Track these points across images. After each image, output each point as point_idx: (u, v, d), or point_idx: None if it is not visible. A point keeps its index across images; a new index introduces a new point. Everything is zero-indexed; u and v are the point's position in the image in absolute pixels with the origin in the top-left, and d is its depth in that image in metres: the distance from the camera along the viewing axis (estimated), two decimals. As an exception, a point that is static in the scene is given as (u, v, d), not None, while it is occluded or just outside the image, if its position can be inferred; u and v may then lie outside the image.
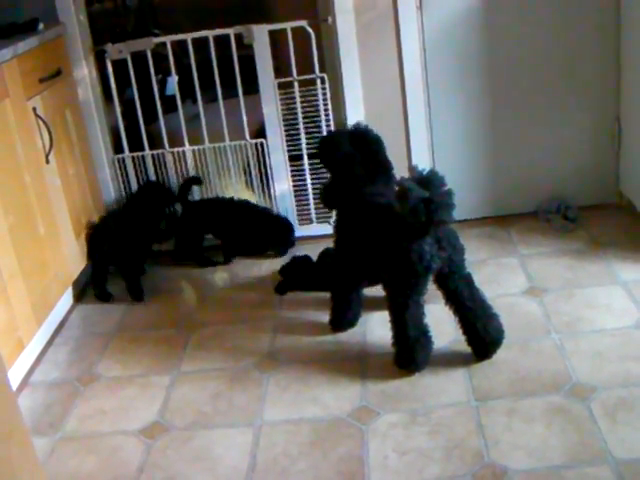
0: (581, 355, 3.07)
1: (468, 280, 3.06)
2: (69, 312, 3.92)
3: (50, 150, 3.62)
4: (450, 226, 3.01)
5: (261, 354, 3.36)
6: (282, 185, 4.32)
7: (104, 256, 4.01)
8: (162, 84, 4.74)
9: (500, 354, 3.12)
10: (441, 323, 3.36)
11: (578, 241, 3.99)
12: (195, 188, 4.33)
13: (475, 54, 4.13)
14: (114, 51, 4.14)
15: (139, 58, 4.18)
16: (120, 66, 4.18)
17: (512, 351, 3.14)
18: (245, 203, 4.28)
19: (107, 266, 4.05)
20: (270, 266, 4.13)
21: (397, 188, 2.90)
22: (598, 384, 2.88)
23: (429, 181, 2.86)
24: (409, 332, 3.02)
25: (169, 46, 4.14)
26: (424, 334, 3.07)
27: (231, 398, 3.08)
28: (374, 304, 3.57)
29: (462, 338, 3.20)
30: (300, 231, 4.39)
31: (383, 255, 3.03)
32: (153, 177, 4.35)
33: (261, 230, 4.22)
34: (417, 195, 2.78)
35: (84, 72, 4.13)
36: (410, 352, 3.05)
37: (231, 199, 4.29)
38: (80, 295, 4.07)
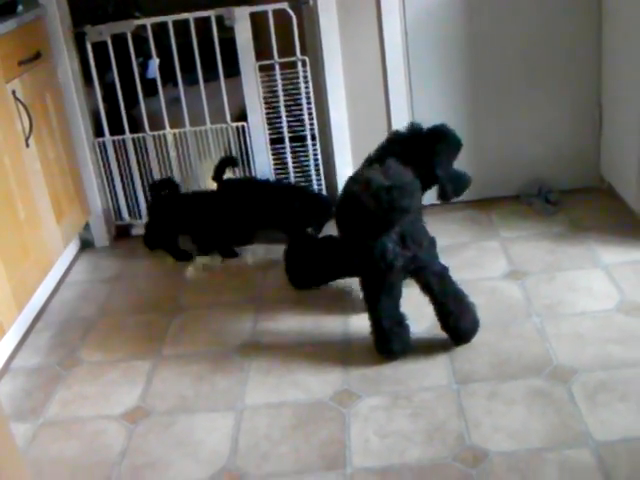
0: (562, 338, 3.08)
1: (439, 275, 3.06)
2: (50, 297, 3.91)
3: (30, 134, 3.60)
4: (420, 223, 3.06)
5: (243, 338, 3.36)
6: (263, 168, 4.31)
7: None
8: (143, 67, 4.72)
9: (481, 337, 3.13)
10: (422, 306, 3.35)
11: (559, 225, 4.00)
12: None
13: (456, 38, 4.13)
14: (94, 33, 4.10)
15: (120, 41, 4.15)
16: (101, 49, 4.15)
17: (493, 334, 3.15)
18: (279, 182, 4.27)
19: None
20: (251, 253, 4.13)
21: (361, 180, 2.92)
22: (579, 367, 2.89)
23: (391, 171, 2.87)
24: (383, 323, 3.04)
25: (149, 28, 4.11)
26: (399, 323, 3.08)
27: (213, 382, 3.08)
28: (357, 290, 3.58)
29: (443, 322, 3.24)
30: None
31: (352, 251, 3.05)
32: (133, 160, 4.33)
33: (299, 207, 4.15)
34: (378, 183, 2.79)
35: (64, 55, 4.10)
36: (386, 342, 3.07)
37: (267, 179, 4.26)
38: (62, 278, 4.06)
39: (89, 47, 4.13)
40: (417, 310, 3.31)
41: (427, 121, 4.15)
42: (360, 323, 3.33)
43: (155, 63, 4.30)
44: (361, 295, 3.13)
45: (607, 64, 4.07)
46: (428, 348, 3.13)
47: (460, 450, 2.56)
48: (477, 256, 3.79)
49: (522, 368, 2.93)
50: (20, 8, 3.74)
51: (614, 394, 2.73)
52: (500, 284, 3.52)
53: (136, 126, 4.35)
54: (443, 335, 3.14)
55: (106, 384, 3.17)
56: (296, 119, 4.22)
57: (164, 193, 4.20)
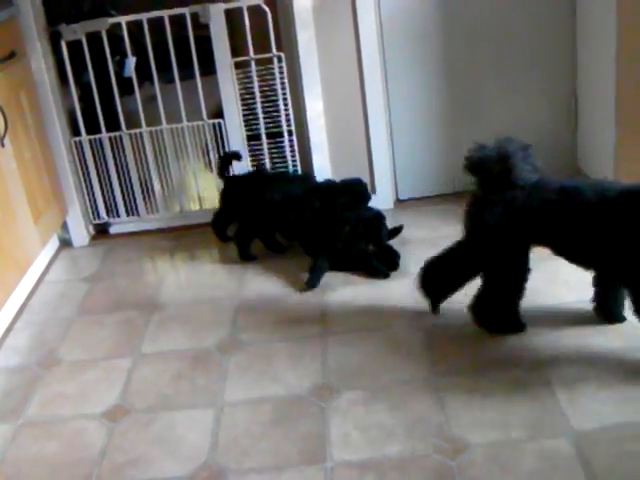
0: (541, 329, 3.09)
1: None
2: (29, 297, 3.89)
3: (5, 133, 3.58)
4: None
5: (222, 335, 3.35)
6: (241, 165, 4.29)
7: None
8: (120, 66, 4.70)
9: (460, 330, 3.14)
10: (403, 299, 3.39)
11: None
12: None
13: (432, 32, 4.13)
14: (68, 32, 4.09)
15: (97, 40, 4.13)
16: (79, 48, 4.13)
17: (472, 327, 3.15)
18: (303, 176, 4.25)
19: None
20: (230, 249, 4.12)
21: None
22: (558, 357, 2.91)
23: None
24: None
25: (124, 27, 4.10)
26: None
27: (192, 379, 3.08)
28: (333, 285, 3.63)
29: (422, 314, 3.26)
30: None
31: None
32: (110, 159, 4.32)
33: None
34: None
35: (39, 54, 4.08)
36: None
37: (288, 172, 4.28)
38: (40, 278, 4.05)
39: (64, 46, 4.11)
40: (396, 303, 3.35)
41: (404, 116, 4.20)
42: (339, 319, 3.34)
43: (132, 62, 4.29)
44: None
45: (581, 56, 4.09)
46: (407, 341, 3.14)
47: (440, 442, 2.56)
48: (456, 249, 3.79)
49: (501, 360, 2.94)
50: (-7, 7, 3.73)
51: (592, 384, 2.74)
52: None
53: (113, 125, 4.33)
54: (423, 327, 3.18)
55: (86, 383, 3.16)
56: (273, 115, 4.22)
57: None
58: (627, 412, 2.59)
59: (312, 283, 3.63)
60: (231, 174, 4.17)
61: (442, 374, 2.90)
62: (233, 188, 4.09)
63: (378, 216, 3.72)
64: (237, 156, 4.17)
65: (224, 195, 4.14)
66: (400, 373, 2.94)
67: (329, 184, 3.94)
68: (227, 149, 4.26)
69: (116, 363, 3.26)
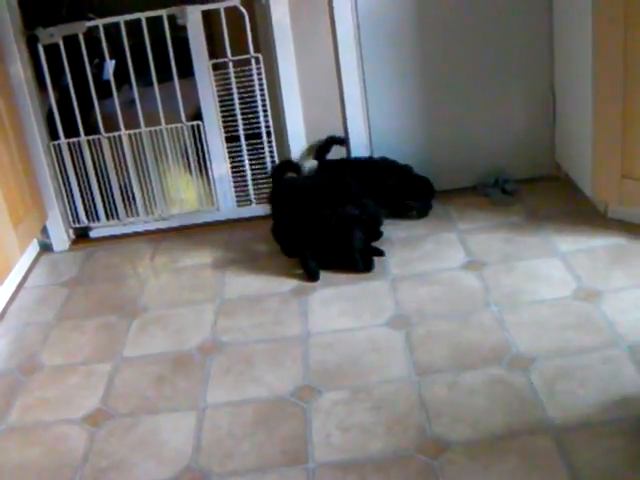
0: (520, 326, 3.10)
1: None
2: (9, 302, 3.87)
3: (-17, 139, 3.58)
4: None
5: (203, 337, 3.35)
6: (220, 167, 4.30)
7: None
8: (99, 69, 4.69)
9: (441, 327, 3.16)
10: (382, 299, 3.40)
11: (516, 214, 4.03)
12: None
13: (409, 31, 4.14)
14: (45, 36, 4.08)
15: (76, 43, 4.12)
16: (58, 51, 4.11)
17: (452, 325, 3.17)
18: (383, 160, 4.25)
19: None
20: (210, 252, 4.13)
21: None
22: (538, 354, 2.92)
23: None
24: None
25: (102, 29, 4.09)
26: None
27: (174, 382, 3.07)
28: (314, 286, 3.63)
29: (403, 313, 3.28)
30: (239, 212, 4.40)
31: None
32: (89, 162, 4.30)
33: (402, 187, 4.16)
34: None
35: (16, 57, 4.06)
36: None
37: (369, 157, 4.28)
38: (20, 283, 4.04)
39: (41, 49, 4.10)
40: (377, 303, 3.35)
41: (383, 115, 4.20)
42: (320, 319, 3.35)
43: (110, 65, 4.28)
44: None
45: (559, 52, 4.11)
46: (387, 340, 3.14)
47: (422, 441, 2.57)
48: (435, 248, 3.80)
49: (482, 357, 2.95)
50: (-31, 12, 3.72)
51: (573, 380, 2.76)
52: (458, 275, 3.54)
53: (92, 128, 4.32)
54: (403, 327, 3.18)
55: (67, 388, 3.15)
56: (251, 116, 4.22)
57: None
58: (607, 408, 2.61)
59: (313, 275, 3.67)
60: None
61: (423, 372, 2.91)
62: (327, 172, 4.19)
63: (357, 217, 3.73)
64: (341, 141, 4.23)
65: None
66: (381, 373, 2.95)
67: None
68: (206, 151, 4.26)
69: (97, 367, 3.25)
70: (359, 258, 3.67)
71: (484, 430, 2.59)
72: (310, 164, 4.28)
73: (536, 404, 2.66)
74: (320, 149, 4.24)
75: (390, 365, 2.98)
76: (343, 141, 4.27)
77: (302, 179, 4.08)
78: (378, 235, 3.80)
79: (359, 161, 4.25)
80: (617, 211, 3.80)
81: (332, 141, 4.24)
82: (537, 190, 4.25)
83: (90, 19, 4.20)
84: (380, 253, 3.75)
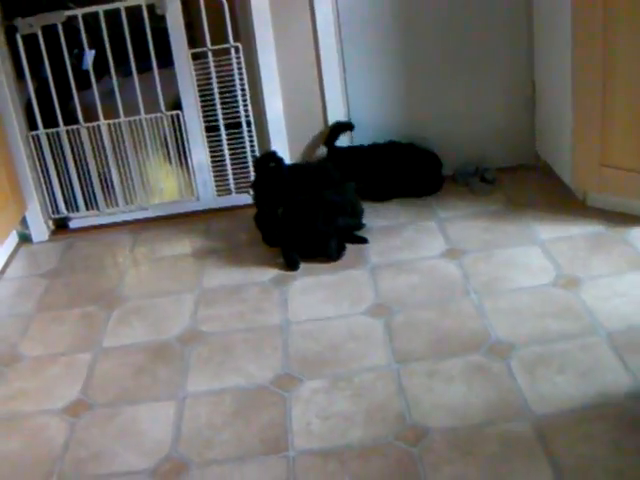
0: (500, 314, 3.11)
1: None
2: (-12, 294, 3.87)
3: (-40, 129, 3.56)
4: None
5: (183, 326, 3.35)
6: (200, 156, 4.29)
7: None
8: (79, 59, 4.67)
9: (420, 316, 3.17)
10: (362, 288, 3.40)
11: (496, 203, 4.04)
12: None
13: (389, 20, 4.14)
14: (24, 26, 4.06)
15: (56, 33, 4.09)
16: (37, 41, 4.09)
17: (432, 312, 3.18)
18: (392, 143, 4.29)
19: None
20: (190, 241, 4.12)
21: None
22: (516, 342, 2.93)
23: None
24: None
25: (80, 19, 4.07)
26: None
27: (154, 372, 3.07)
28: (294, 274, 3.64)
29: (383, 302, 3.28)
30: (219, 202, 4.40)
31: None
32: (69, 153, 4.28)
33: (410, 167, 4.20)
34: None
35: (-6, 48, 4.06)
36: None
37: (375, 143, 4.29)
38: (-1, 275, 4.04)
39: (20, 40, 4.07)
40: (356, 292, 3.35)
41: (363, 105, 4.21)
42: (299, 308, 3.35)
43: (90, 55, 4.26)
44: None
45: (538, 41, 4.11)
46: (367, 328, 3.15)
47: (401, 429, 2.58)
48: (415, 236, 3.81)
49: (461, 345, 2.96)
50: (-55, 1, 3.69)
51: (552, 367, 2.77)
52: (438, 263, 3.55)
53: (71, 118, 4.30)
54: (382, 315, 3.19)
55: (47, 379, 3.14)
56: (231, 106, 4.21)
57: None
58: (585, 395, 2.62)
59: (292, 264, 3.68)
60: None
61: (402, 360, 2.92)
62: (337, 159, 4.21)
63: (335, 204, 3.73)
64: (349, 126, 4.24)
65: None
66: (361, 361, 2.95)
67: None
68: (186, 141, 4.25)
69: (77, 358, 3.24)
70: (332, 245, 3.67)
71: (463, 417, 2.59)
72: (320, 151, 4.33)
73: (515, 391, 2.67)
74: (329, 136, 4.25)
75: (370, 353, 2.99)
76: (351, 126, 4.27)
77: (285, 167, 4.06)
78: (358, 224, 3.81)
79: (372, 147, 4.28)
80: (596, 199, 3.81)
81: (339, 127, 4.25)
82: (517, 179, 4.27)
83: (70, 8, 4.18)
84: (363, 241, 3.76)
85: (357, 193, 3.91)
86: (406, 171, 4.20)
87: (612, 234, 3.59)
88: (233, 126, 4.26)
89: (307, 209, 3.69)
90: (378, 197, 4.21)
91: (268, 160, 4.03)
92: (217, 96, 4.19)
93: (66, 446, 2.73)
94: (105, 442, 2.73)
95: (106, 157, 4.31)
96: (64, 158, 4.31)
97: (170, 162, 4.34)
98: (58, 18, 4.06)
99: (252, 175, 4.29)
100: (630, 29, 3.35)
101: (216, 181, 4.36)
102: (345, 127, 4.27)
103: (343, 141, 4.30)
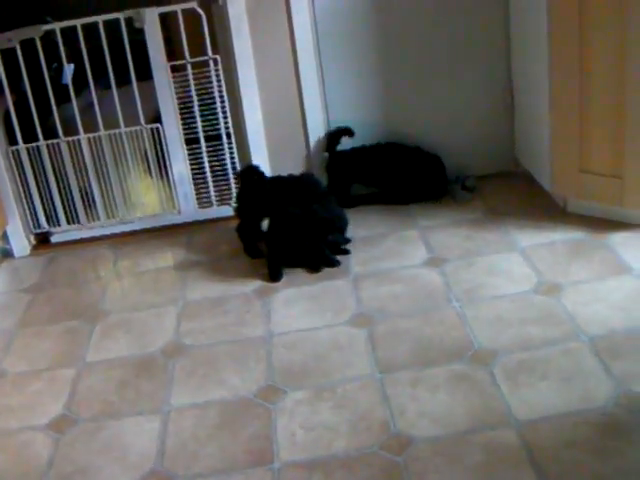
0: (482, 321, 3.12)
1: None
2: (-30, 310, 3.86)
3: (-61, 145, 3.54)
4: None
5: (166, 340, 3.35)
6: (180, 169, 4.29)
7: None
8: (59, 73, 4.66)
9: (402, 325, 3.18)
10: (344, 298, 3.40)
11: (476, 211, 4.05)
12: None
13: (367, 30, 4.15)
14: (3, 40, 4.05)
15: (35, 46, 4.09)
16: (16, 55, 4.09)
17: (414, 321, 3.19)
18: (393, 144, 4.30)
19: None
20: (172, 254, 4.12)
21: None
22: (499, 349, 2.94)
23: None
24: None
25: (59, 33, 4.06)
26: None
27: (138, 386, 3.06)
28: (276, 286, 3.64)
29: (365, 311, 3.30)
30: (201, 214, 4.40)
31: None
32: (49, 167, 4.27)
33: (413, 169, 4.23)
34: None
35: (-28, 64, 4.05)
36: None
37: (378, 143, 4.31)
38: (-19, 291, 4.02)
39: (-3, 54, 4.08)
40: (339, 302, 3.36)
41: (341, 114, 4.22)
42: (282, 319, 3.36)
43: (70, 69, 4.25)
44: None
45: (515, 49, 4.13)
46: (350, 338, 3.15)
47: (386, 438, 2.58)
48: (397, 245, 3.82)
49: (444, 353, 2.96)
50: None
51: (535, 374, 2.78)
52: (420, 272, 3.56)
53: (51, 132, 4.29)
54: (365, 324, 3.20)
55: (31, 395, 3.14)
56: (211, 118, 4.21)
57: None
58: (568, 400, 2.63)
59: (275, 276, 3.68)
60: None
61: (386, 370, 2.92)
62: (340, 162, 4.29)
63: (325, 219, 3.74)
64: (349, 132, 4.24)
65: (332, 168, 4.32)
66: (344, 371, 2.96)
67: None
68: (166, 153, 4.24)
69: (60, 373, 3.23)
70: (328, 254, 3.70)
71: (447, 425, 2.60)
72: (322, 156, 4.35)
73: (499, 398, 2.68)
74: (329, 142, 4.27)
75: (353, 363, 2.99)
76: (350, 131, 4.27)
77: (266, 180, 4.06)
78: (346, 240, 3.83)
79: (374, 147, 4.30)
80: (576, 205, 3.83)
81: (339, 132, 4.26)
82: (497, 186, 4.28)
83: (48, 22, 4.17)
84: (345, 252, 3.77)
85: (367, 199, 4.11)
86: (414, 174, 4.23)
87: (592, 240, 3.61)
88: (213, 138, 4.26)
89: (298, 224, 3.69)
90: (393, 201, 4.26)
91: (251, 172, 4.03)
92: (197, 108, 4.19)
93: (51, 462, 2.73)
94: (90, 457, 2.73)
95: (87, 171, 4.30)
96: (45, 172, 4.30)
97: (151, 175, 4.33)
98: (36, 32, 4.05)
99: (233, 187, 4.30)
100: (606, 36, 3.37)
101: (197, 194, 4.36)
102: (344, 132, 4.26)
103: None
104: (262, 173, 4.00)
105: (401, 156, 4.24)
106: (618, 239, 3.57)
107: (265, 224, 3.89)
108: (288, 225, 3.71)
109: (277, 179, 4.01)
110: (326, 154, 4.31)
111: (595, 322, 3.02)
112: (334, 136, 4.26)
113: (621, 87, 3.39)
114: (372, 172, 4.27)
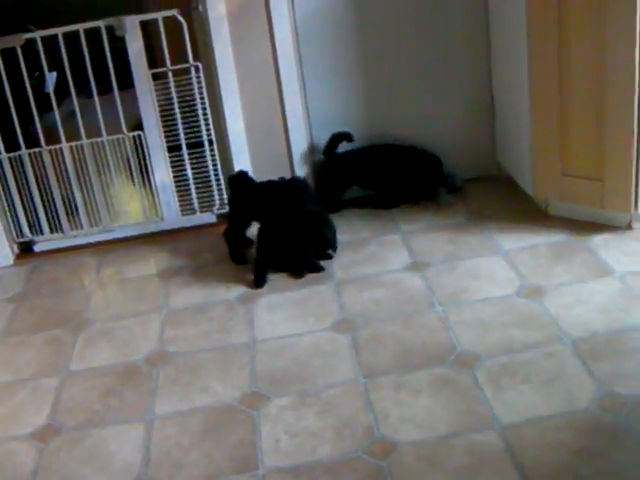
0: (465, 325, 3.13)
1: None
2: (-47, 320, 3.84)
3: None
4: None
5: (150, 348, 3.34)
6: (163, 177, 4.29)
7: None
8: (41, 81, 4.65)
9: (385, 329, 3.18)
10: (327, 303, 3.41)
11: (459, 215, 4.07)
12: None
13: (347, 35, 4.16)
14: (-17, 49, 4.05)
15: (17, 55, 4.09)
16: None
17: (397, 326, 3.19)
18: (390, 145, 4.30)
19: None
20: (156, 262, 4.12)
21: None
22: (482, 352, 2.95)
23: None
24: None
25: (39, 42, 4.06)
26: None
27: (121, 394, 3.06)
28: (260, 292, 3.65)
29: (348, 317, 3.30)
30: (184, 222, 4.40)
31: None
32: (31, 176, 4.26)
33: (411, 169, 4.24)
34: None
35: (-47, 73, 4.03)
36: None
37: (372, 145, 4.31)
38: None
39: (-21, 63, 4.07)
40: (322, 307, 3.36)
41: (324, 120, 4.22)
42: (266, 326, 3.36)
43: (52, 77, 4.25)
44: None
45: (495, 55, 4.15)
46: (333, 344, 3.16)
47: (370, 443, 2.59)
48: (379, 250, 3.83)
49: (427, 357, 2.97)
50: None
51: (517, 377, 2.79)
52: (402, 276, 3.57)
53: (33, 141, 4.28)
54: (348, 330, 3.21)
55: (14, 404, 3.13)
56: (193, 125, 4.21)
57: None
58: (551, 403, 2.65)
59: (259, 282, 3.68)
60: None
61: (369, 375, 2.93)
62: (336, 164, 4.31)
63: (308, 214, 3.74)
64: (348, 137, 4.24)
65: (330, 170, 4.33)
66: (328, 377, 2.96)
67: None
68: (148, 161, 4.24)
69: (44, 383, 3.23)
70: (313, 259, 3.71)
71: (431, 429, 2.61)
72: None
73: (482, 402, 2.69)
74: (328, 146, 4.26)
75: (336, 369, 3.00)
76: (349, 136, 4.26)
77: (255, 186, 4.05)
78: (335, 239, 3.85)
79: (370, 149, 4.30)
80: (558, 208, 3.85)
81: (338, 137, 4.25)
82: (479, 190, 4.30)
83: (30, 31, 4.17)
84: (328, 256, 3.77)
85: (366, 203, 4.19)
86: (411, 174, 4.25)
87: (574, 242, 3.62)
88: (195, 145, 4.26)
89: (290, 220, 3.69)
90: (386, 204, 4.28)
91: (241, 178, 4.03)
92: (178, 116, 4.19)
93: (35, 472, 2.72)
94: (74, 466, 2.72)
95: (69, 180, 4.29)
96: (27, 181, 4.29)
97: (133, 183, 4.33)
98: (17, 41, 4.05)
99: (216, 194, 4.30)
100: (584, 39, 3.39)
101: (180, 201, 4.36)
102: (344, 137, 4.25)
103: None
104: (251, 179, 4.01)
105: (398, 156, 4.25)
106: (599, 241, 3.59)
107: (255, 230, 3.89)
108: (280, 223, 3.70)
109: (267, 184, 4.00)
110: (322, 157, 4.32)
111: (577, 325, 3.03)
112: (334, 140, 4.25)
113: (601, 90, 3.41)
114: (369, 174, 4.28)
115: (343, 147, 4.29)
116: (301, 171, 4.30)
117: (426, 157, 4.25)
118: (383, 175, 4.25)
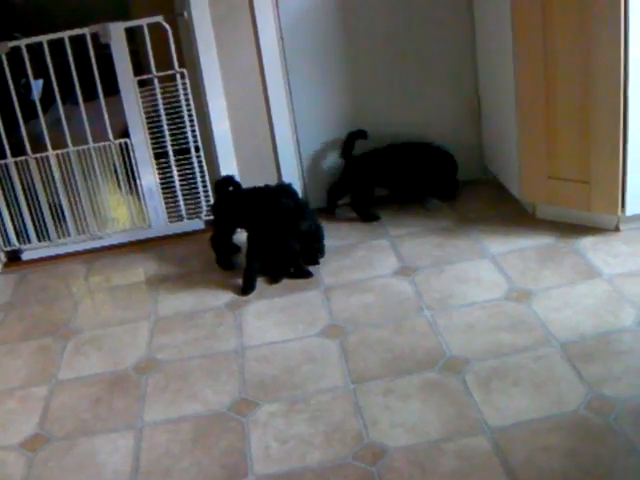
0: (453, 329, 3.13)
1: None
2: (-60, 329, 3.83)
3: None
4: None
5: (139, 355, 3.33)
6: (150, 183, 4.28)
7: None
8: (27, 88, 4.64)
9: (374, 335, 3.18)
10: (316, 309, 3.40)
11: (446, 219, 4.07)
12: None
13: (332, 39, 4.16)
14: (-30, 57, 4.04)
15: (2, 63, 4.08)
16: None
17: (386, 331, 3.19)
18: (407, 143, 4.31)
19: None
20: (144, 269, 4.12)
21: None
22: (471, 356, 2.95)
23: None
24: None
25: (24, 49, 4.05)
26: None
27: (110, 403, 3.05)
28: (248, 299, 3.64)
29: (337, 322, 3.31)
30: (171, 229, 4.40)
31: None
32: (18, 184, 4.25)
33: (433, 166, 4.26)
34: None
35: (-62, 81, 4.02)
36: None
37: (390, 144, 4.29)
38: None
39: (-37, 71, 4.05)
40: (310, 313, 3.36)
41: (309, 126, 4.22)
42: (254, 332, 3.35)
43: (39, 84, 4.24)
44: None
45: (481, 59, 4.16)
46: (322, 350, 3.15)
47: (359, 449, 2.59)
48: (367, 255, 3.83)
49: (416, 362, 2.97)
50: None
51: (506, 380, 2.79)
52: (391, 281, 3.57)
53: (19, 149, 4.27)
54: (337, 335, 3.21)
55: (3, 414, 3.11)
56: (179, 132, 4.20)
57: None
58: (541, 406, 2.65)
59: (247, 288, 3.68)
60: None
61: (358, 380, 2.93)
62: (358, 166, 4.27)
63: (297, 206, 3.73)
64: (364, 134, 4.22)
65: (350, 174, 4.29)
66: (317, 383, 2.96)
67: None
68: (135, 168, 4.23)
69: (33, 392, 3.21)
70: (302, 265, 3.71)
71: (421, 434, 2.61)
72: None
73: (471, 406, 2.69)
74: (344, 147, 4.25)
75: (326, 375, 2.99)
76: (364, 133, 4.25)
77: (242, 191, 4.04)
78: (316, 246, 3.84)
79: (389, 148, 4.29)
80: (545, 211, 3.86)
81: (353, 135, 4.24)
82: (466, 194, 4.30)
83: (16, 38, 4.16)
84: (315, 262, 3.78)
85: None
86: (433, 171, 4.27)
87: (562, 245, 3.63)
88: (182, 152, 4.25)
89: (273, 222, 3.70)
90: (404, 201, 4.31)
91: (227, 183, 4.02)
92: (165, 122, 4.19)
93: (24, 481, 2.71)
94: (64, 475, 2.71)
95: (56, 188, 4.29)
96: (13, 190, 4.28)
97: (121, 190, 4.32)
98: (2, 49, 4.04)
99: (203, 200, 4.30)
100: (569, 41, 3.40)
101: (167, 208, 4.35)
102: (359, 135, 4.24)
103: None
104: (238, 184, 4.00)
105: (419, 154, 4.26)
106: (587, 244, 3.60)
107: (242, 236, 3.89)
108: (265, 228, 3.70)
109: (253, 190, 4.00)
110: (342, 160, 4.30)
111: (566, 327, 3.04)
112: (349, 141, 4.23)
113: (587, 93, 3.42)
114: (392, 173, 4.27)
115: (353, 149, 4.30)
116: (288, 175, 4.29)
117: (443, 154, 4.26)
118: (408, 173, 4.26)
